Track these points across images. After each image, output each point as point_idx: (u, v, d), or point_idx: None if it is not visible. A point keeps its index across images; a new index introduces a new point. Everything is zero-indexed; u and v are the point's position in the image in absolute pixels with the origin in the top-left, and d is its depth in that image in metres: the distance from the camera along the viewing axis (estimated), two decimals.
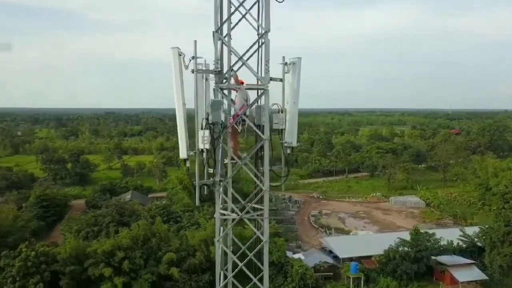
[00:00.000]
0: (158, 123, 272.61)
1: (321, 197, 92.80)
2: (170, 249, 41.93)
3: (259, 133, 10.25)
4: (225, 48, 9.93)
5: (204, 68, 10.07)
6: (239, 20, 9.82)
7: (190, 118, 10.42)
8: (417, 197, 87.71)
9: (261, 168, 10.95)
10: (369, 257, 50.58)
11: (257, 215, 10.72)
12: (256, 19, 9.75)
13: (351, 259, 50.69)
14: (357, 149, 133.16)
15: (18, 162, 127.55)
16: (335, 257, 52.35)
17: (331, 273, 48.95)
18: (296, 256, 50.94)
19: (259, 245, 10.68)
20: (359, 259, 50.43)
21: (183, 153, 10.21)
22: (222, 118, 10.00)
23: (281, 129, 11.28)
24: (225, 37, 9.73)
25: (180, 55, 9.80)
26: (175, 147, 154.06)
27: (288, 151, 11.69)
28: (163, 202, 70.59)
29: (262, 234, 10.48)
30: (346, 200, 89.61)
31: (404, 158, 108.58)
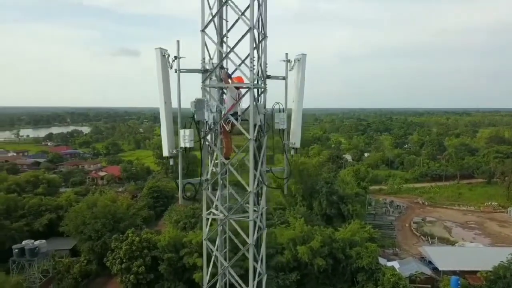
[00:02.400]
0: None
1: (426, 203, 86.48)
2: None
3: (245, 132, 10.05)
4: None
5: (187, 68, 10.07)
6: (236, 21, 9.82)
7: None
8: None
9: (260, 169, 10.80)
10: (474, 272, 45.81)
11: (243, 217, 10.61)
12: (252, 21, 9.43)
13: (453, 273, 46.52)
14: (473, 152, 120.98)
15: (138, 156, 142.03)
16: (435, 269, 48.52)
17: (429, 286, 45.49)
18: (390, 263, 48.42)
19: (245, 247, 10.49)
20: (462, 273, 46.05)
21: (165, 151, 10.26)
22: (206, 117, 9.99)
23: (283, 129, 10.93)
24: (223, 37, 9.72)
25: (164, 55, 9.88)
26: (275, 146, 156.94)
27: (292, 152, 11.28)
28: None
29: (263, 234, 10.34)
30: (455, 208, 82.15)
31: None
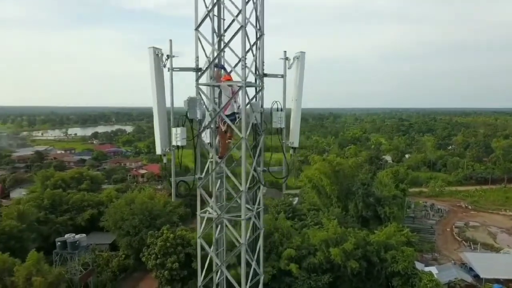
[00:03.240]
0: (301, 122, 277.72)
1: (470, 207, 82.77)
2: (291, 245, 42.81)
3: (237, 132, 9.99)
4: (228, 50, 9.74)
5: (180, 67, 10.15)
6: (232, 21, 9.77)
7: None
8: None
9: (258, 168, 10.70)
10: None
11: (235, 216, 10.53)
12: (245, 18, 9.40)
13: (496, 281, 44.34)
14: None
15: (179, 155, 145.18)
16: (476, 276, 46.40)
17: None
18: (428, 269, 46.80)
19: (237, 248, 10.40)
20: (506, 282, 43.80)
21: (158, 149, 10.40)
22: (199, 116, 9.99)
23: (281, 128, 10.77)
24: (220, 36, 9.65)
25: (158, 54, 9.97)
26: (314, 145, 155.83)
27: (291, 152, 11.10)
28: (296, 199, 72.46)
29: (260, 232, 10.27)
30: (502, 213, 78.10)
31: None
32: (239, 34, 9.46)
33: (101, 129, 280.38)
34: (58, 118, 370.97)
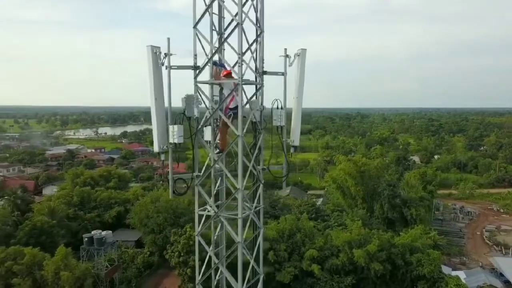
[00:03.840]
0: (328, 122, 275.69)
1: (502, 210, 79.94)
2: (314, 246, 42.53)
3: (233, 129, 9.93)
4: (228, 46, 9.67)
5: (177, 65, 10.18)
6: (231, 21, 9.73)
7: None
8: None
9: (258, 167, 10.62)
10: None
11: (230, 214, 10.47)
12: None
13: None
14: None
15: (204, 154, 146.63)
16: (507, 282, 44.79)
17: None
18: (456, 273, 45.47)
19: (233, 246, 10.32)
20: None
21: (156, 146, 10.47)
22: (196, 113, 9.99)
23: (282, 127, 10.64)
24: (221, 35, 9.58)
25: (155, 52, 10.00)
26: (340, 146, 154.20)
27: (292, 150, 10.96)
28: (320, 200, 71.95)
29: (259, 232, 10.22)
30: None
31: None
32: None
33: (130, 128, 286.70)
34: (90, 117, 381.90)
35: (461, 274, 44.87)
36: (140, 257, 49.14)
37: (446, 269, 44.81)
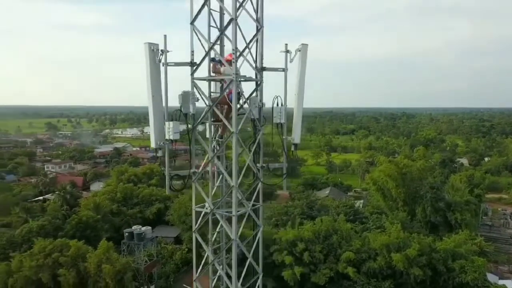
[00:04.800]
0: (372, 122, 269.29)
1: None
2: (351, 248, 41.77)
3: (228, 125, 9.80)
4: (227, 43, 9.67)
5: (174, 61, 10.22)
6: (231, 19, 9.60)
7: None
8: None
9: (257, 165, 10.43)
10: None
11: (226, 212, 10.32)
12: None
13: None
14: None
15: None
16: None
17: None
18: (503, 282, 43.11)
19: (229, 242, 10.14)
20: None
21: (153, 142, 10.60)
22: (191, 110, 9.94)
23: (282, 124, 10.38)
24: (222, 32, 9.48)
25: (153, 49, 10.08)
26: (384, 146, 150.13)
27: (292, 148, 10.66)
28: (360, 201, 70.53)
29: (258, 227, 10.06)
30: None
31: None
32: (246, 28, 9.60)
33: None
34: (136, 117, 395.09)
35: (509, 283, 42.47)
36: (179, 253, 50.27)
37: (492, 277, 42.60)
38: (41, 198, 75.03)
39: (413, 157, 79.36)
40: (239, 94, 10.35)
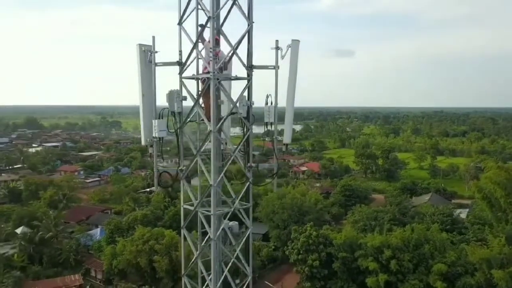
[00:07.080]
0: (487, 124, 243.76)
1: None
2: (444, 260, 38.67)
3: (207, 122, 9.66)
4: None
5: (162, 61, 10.34)
6: (227, 15, 9.38)
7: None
8: None
9: (248, 164, 9.95)
10: None
11: (206, 210, 9.90)
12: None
13: None
14: None
15: (341, 155, 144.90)
16: None
17: None
18: None
19: (207, 242, 10.17)
20: None
21: (143, 140, 10.85)
22: (176, 108, 9.97)
23: (271, 123, 9.74)
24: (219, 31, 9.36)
25: (144, 50, 10.26)
26: (498, 151, 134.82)
27: (283, 148, 9.94)
28: (465, 210, 64.75)
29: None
30: None
31: None
32: (240, 26, 9.66)
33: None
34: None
35: None
36: (265, 250, 51.35)
37: None
38: (147, 190, 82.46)
39: None
40: (218, 91, 10.10)
